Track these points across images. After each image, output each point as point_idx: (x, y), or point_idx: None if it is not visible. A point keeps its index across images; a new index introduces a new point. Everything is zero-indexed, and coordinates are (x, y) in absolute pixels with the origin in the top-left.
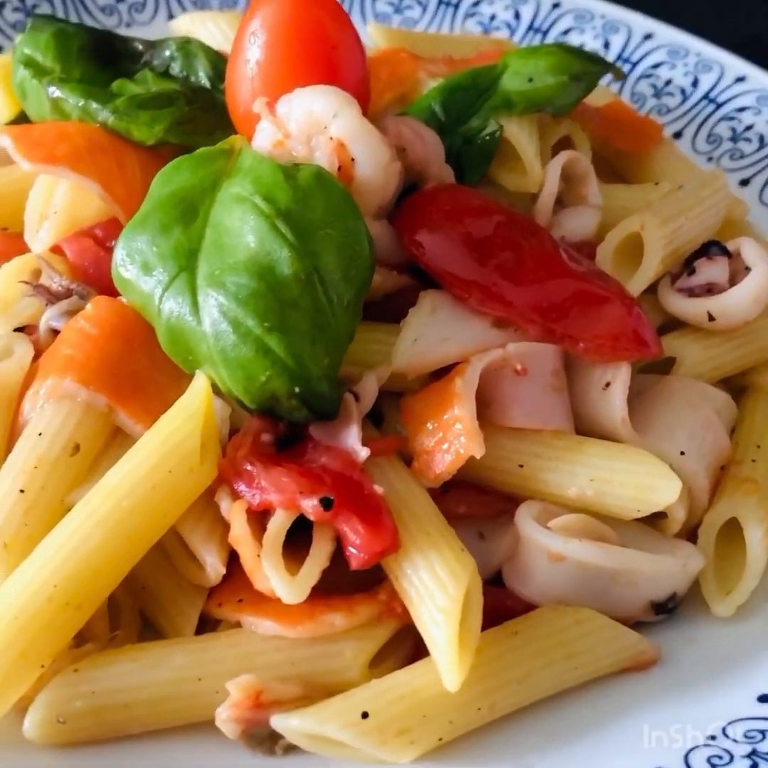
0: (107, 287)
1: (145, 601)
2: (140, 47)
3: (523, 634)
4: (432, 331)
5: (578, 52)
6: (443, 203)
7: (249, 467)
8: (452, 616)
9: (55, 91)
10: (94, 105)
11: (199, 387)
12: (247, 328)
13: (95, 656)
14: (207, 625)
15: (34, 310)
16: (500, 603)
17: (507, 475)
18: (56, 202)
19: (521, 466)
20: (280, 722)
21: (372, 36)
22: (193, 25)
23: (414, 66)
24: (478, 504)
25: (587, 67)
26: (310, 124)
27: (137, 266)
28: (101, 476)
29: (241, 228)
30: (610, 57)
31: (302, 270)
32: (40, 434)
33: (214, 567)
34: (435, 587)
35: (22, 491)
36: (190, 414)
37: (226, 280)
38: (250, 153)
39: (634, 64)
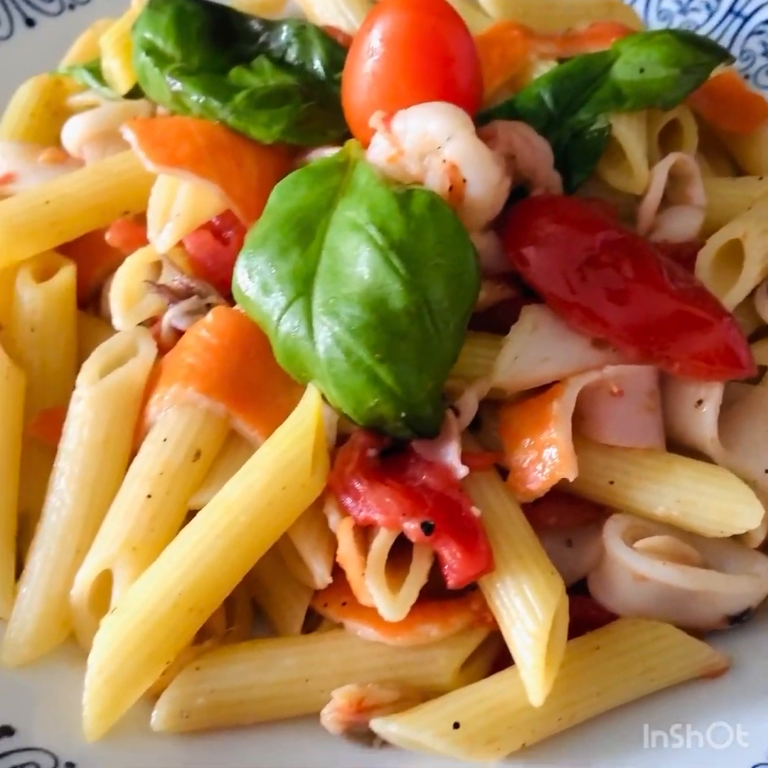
0: (223, 280)
1: (257, 593)
2: (257, 26)
3: (605, 650)
4: (532, 350)
5: (692, 40)
6: (550, 217)
7: (356, 484)
8: (540, 641)
9: (175, 84)
10: (214, 102)
11: (310, 404)
12: (358, 357)
13: (214, 654)
14: (311, 615)
15: (157, 305)
16: (584, 612)
17: (597, 489)
18: (178, 205)
19: (612, 482)
20: (379, 726)
21: (484, 4)
22: None
23: (525, 47)
24: (568, 514)
25: (700, 58)
26: (425, 144)
27: (257, 285)
28: (218, 479)
29: (356, 257)
30: (721, 10)
31: (412, 303)
32: (164, 440)
33: (321, 576)
34: (525, 611)
35: (149, 496)
36: (303, 432)
37: (341, 311)
38: (365, 169)
39: (746, 19)
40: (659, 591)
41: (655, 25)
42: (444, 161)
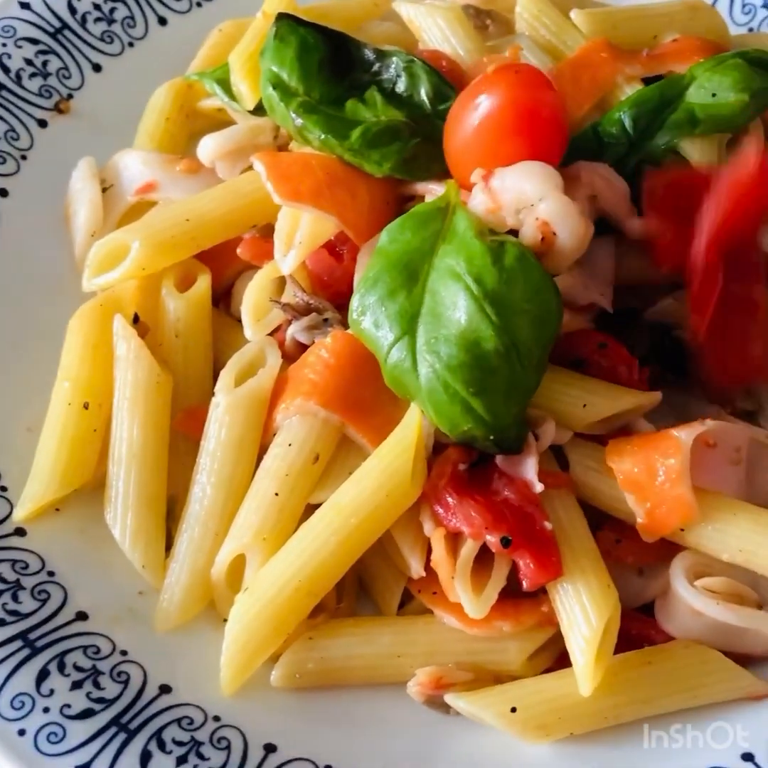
0: (337, 291)
1: (362, 572)
2: (370, 55)
3: (656, 665)
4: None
5: (761, 64)
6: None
7: (448, 497)
8: (592, 645)
9: (299, 121)
10: (333, 140)
11: (412, 421)
12: (455, 390)
13: (324, 627)
14: (405, 593)
15: (282, 316)
16: (646, 630)
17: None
18: (300, 233)
19: (682, 529)
20: (452, 700)
21: (576, 21)
22: (417, 16)
23: (613, 70)
24: (644, 553)
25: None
26: (520, 201)
27: (369, 320)
28: (333, 479)
29: (454, 303)
30: None
31: (502, 345)
32: (290, 445)
33: (416, 570)
34: (581, 618)
35: (276, 494)
36: (405, 446)
37: (440, 350)
38: (463, 216)
39: None
40: (713, 624)
41: (740, 19)
42: (537, 219)
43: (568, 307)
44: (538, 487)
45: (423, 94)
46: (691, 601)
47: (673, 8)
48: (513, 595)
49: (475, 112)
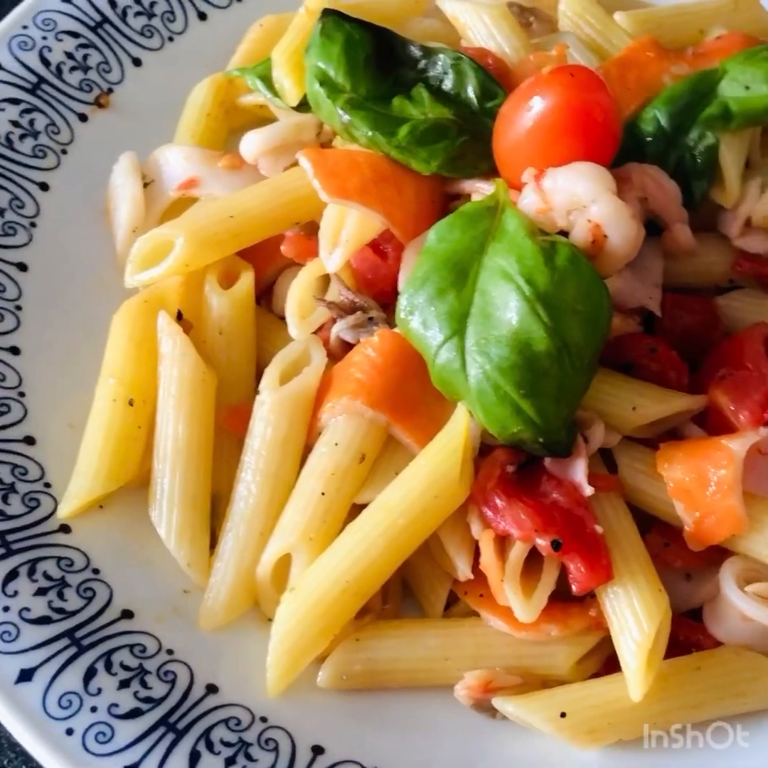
0: (382, 290)
1: (407, 573)
2: (416, 52)
3: (705, 671)
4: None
5: None
6: None
7: (496, 499)
8: (644, 649)
9: (346, 117)
10: (380, 137)
11: (459, 422)
12: (505, 391)
13: (370, 628)
14: (451, 595)
15: (327, 316)
16: (694, 635)
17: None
18: (346, 231)
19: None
20: (500, 704)
21: (621, 23)
22: (462, 13)
23: (659, 68)
24: (692, 557)
25: None
26: (572, 202)
27: (418, 320)
28: (379, 479)
29: (505, 303)
30: None
31: (554, 347)
32: (336, 444)
33: (463, 572)
34: (633, 622)
35: (322, 494)
36: (453, 448)
37: (491, 351)
38: (513, 215)
39: None
40: (762, 630)
41: None
42: (589, 221)
43: (618, 310)
44: (588, 490)
45: (470, 92)
46: (741, 606)
47: (717, 3)
48: (561, 598)
49: (529, 113)
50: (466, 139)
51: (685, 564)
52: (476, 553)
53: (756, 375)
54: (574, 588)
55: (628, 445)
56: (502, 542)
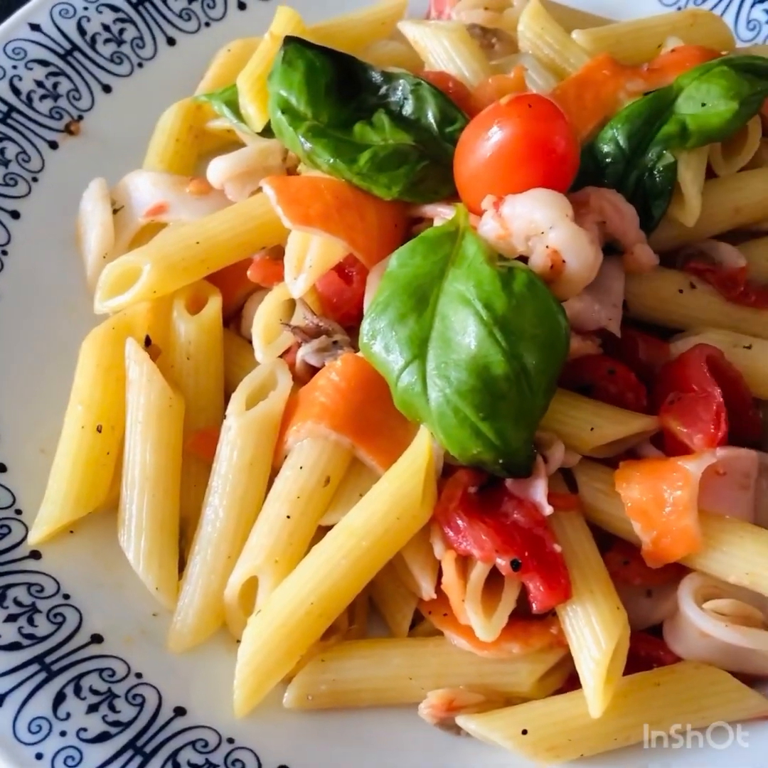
0: (346, 313)
1: (373, 592)
2: (377, 78)
3: (665, 687)
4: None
5: (749, 68)
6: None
7: (458, 520)
8: (602, 666)
9: (308, 145)
10: (341, 164)
11: (422, 445)
12: (465, 414)
13: (336, 648)
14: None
15: (292, 340)
16: (654, 651)
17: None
18: (310, 257)
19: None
20: (463, 722)
21: (579, 41)
22: (422, 37)
23: (615, 85)
24: (652, 575)
25: (756, 86)
26: (530, 229)
27: (380, 345)
28: (344, 501)
29: (464, 328)
30: None
31: (512, 371)
32: (301, 467)
33: (427, 592)
34: (591, 640)
35: (288, 517)
36: (415, 470)
37: (450, 374)
38: (473, 241)
39: None
40: (721, 646)
41: (745, 35)
42: (547, 247)
43: (577, 332)
44: (548, 510)
45: (430, 117)
46: (700, 623)
47: (674, 17)
48: (523, 617)
49: (488, 142)
50: (426, 164)
51: (645, 581)
52: (440, 573)
53: (703, 396)
54: (534, 607)
55: (587, 465)
56: (465, 562)
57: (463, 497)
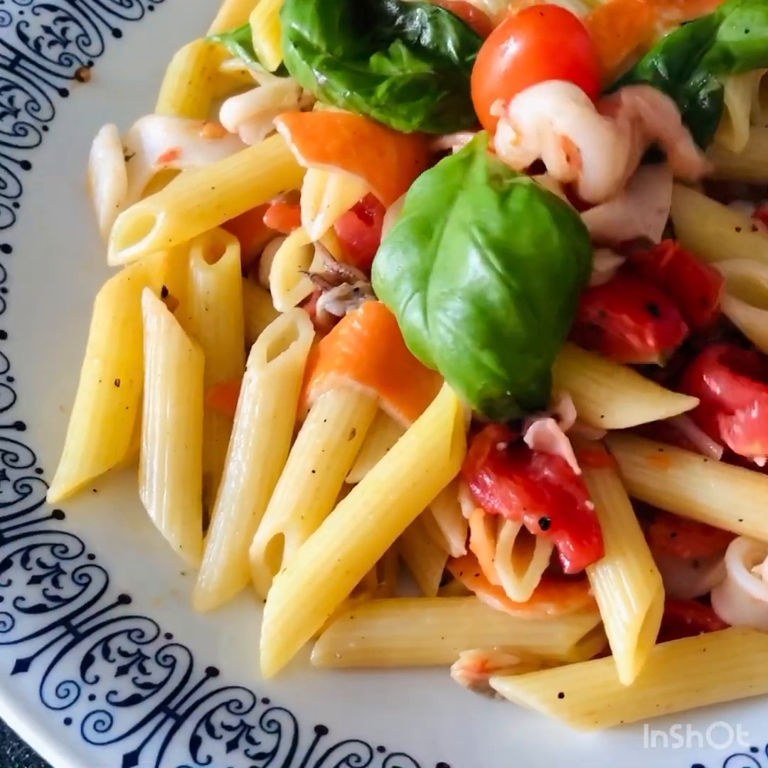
0: (367, 257)
1: (403, 550)
2: (393, 8)
3: (710, 652)
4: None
5: None
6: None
7: (485, 477)
8: (633, 631)
9: (322, 78)
10: (358, 96)
11: (449, 395)
12: (464, 345)
13: (366, 606)
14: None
15: (311, 288)
16: (702, 618)
17: (728, 524)
18: (328, 196)
19: (741, 520)
20: (497, 684)
21: None
22: None
23: (650, 15)
24: (701, 546)
25: None
26: (538, 122)
27: (388, 281)
28: (370, 456)
29: (462, 255)
30: None
31: (509, 295)
32: (325, 420)
33: (457, 548)
34: (622, 603)
35: (313, 472)
36: (443, 422)
37: (448, 305)
38: (481, 165)
39: None
40: None
41: None
42: (555, 134)
43: (608, 245)
44: (577, 471)
45: (450, 45)
46: (749, 587)
47: None
48: (560, 578)
49: (502, 58)
50: (447, 94)
51: (693, 553)
52: (470, 530)
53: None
54: (565, 567)
55: (622, 437)
56: (494, 521)
57: (492, 454)
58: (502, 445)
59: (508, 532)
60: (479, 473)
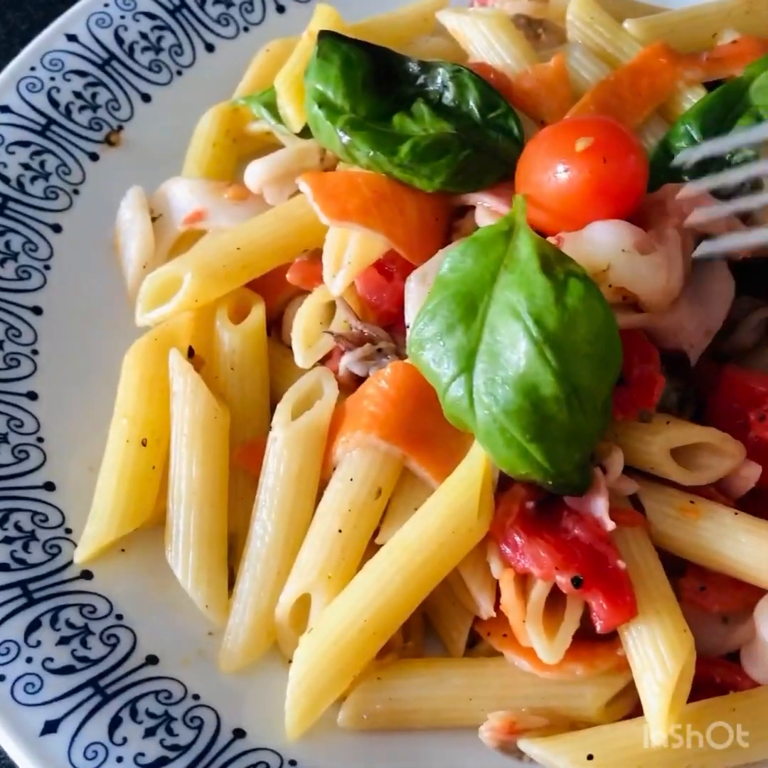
0: (387, 312)
1: (428, 610)
2: (414, 68)
3: (741, 712)
4: None
5: None
6: None
7: (516, 537)
8: (667, 690)
9: (346, 138)
10: (381, 156)
11: (477, 456)
12: (511, 435)
13: (393, 667)
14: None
15: (332, 344)
16: (731, 677)
17: (758, 580)
18: (349, 253)
19: None
20: (526, 746)
21: (632, 31)
22: (461, 25)
23: (673, 74)
24: (731, 600)
25: None
26: (591, 267)
27: (429, 355)
28: (397, 516)
29: (513, 343)
30: None
31: (562, 391)
32: (351, 479)
33: (487, 610)
34: (656, 662)
35: (339, 531)
36: (471, 482)
37: (497, 392)
38: (526, 242)
39: None
40: None
41: None
42: (610, 286)
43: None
44: (610, 525)
45: (472, 104)
46: None
47: (729, 5)
48: (588, 637)
49: (554, 176)
50: (469, 153)
51: (723, 607)
52: (498, 593)
53: None
54: (597, 626)
55: (654, 488)
56: (523, 581)
57: (521, 512)
58: (530, 504)
59: (539, 592)
60: (509, 533)
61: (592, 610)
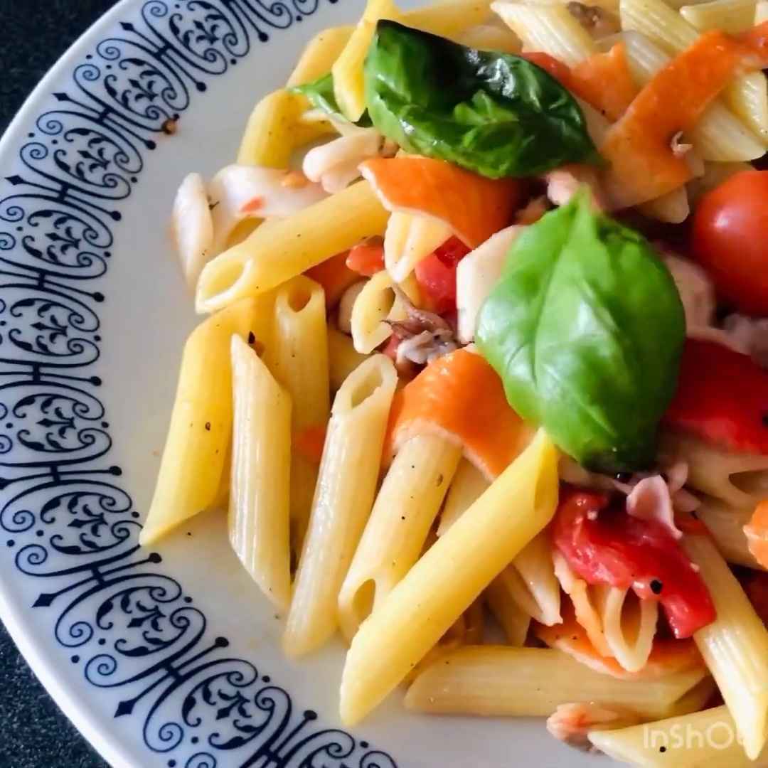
0: (445, 299)
1: (488, 596)
2: (474, 59)
3: None
4: None
5: None
6: None
7: (586, 549)
8: (763, 702)
9: (409, 128)
10: (445, 145)
11: (538, 445)
12: (572, 399)
13: (461, 653)
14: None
15: (390, 332)
16: None
17: None
18: (411, 239)
19: None
20: (595, 738)
21: (689, 18)
22: (519, 16)
23: (731, 62)
24: None
25: None
26: None
27: (492, 334)
28: (457, 508)
29: (571, 310)
30: None
31: (620, 351)
32: (412, 466)
33: (553, 617)
34: (748, 671)
35: (403, 518)
36: (527, 470)
37: (557, 359)
38: (586, 220)
39: None
40: None
41: None
42: None
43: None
44: (677, 534)
45: (532, 95)
46: None
47: None
48: (659, 638)
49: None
50: (532, 139)
51: None
52: (564, 600)
53: None
54: (677, 631)
55: (710, 504)
56: (594, 591)
57: (585, 524)
58: (592, 514)
59: (615, 600)
60: (578, 545)
61: (670, 615)
